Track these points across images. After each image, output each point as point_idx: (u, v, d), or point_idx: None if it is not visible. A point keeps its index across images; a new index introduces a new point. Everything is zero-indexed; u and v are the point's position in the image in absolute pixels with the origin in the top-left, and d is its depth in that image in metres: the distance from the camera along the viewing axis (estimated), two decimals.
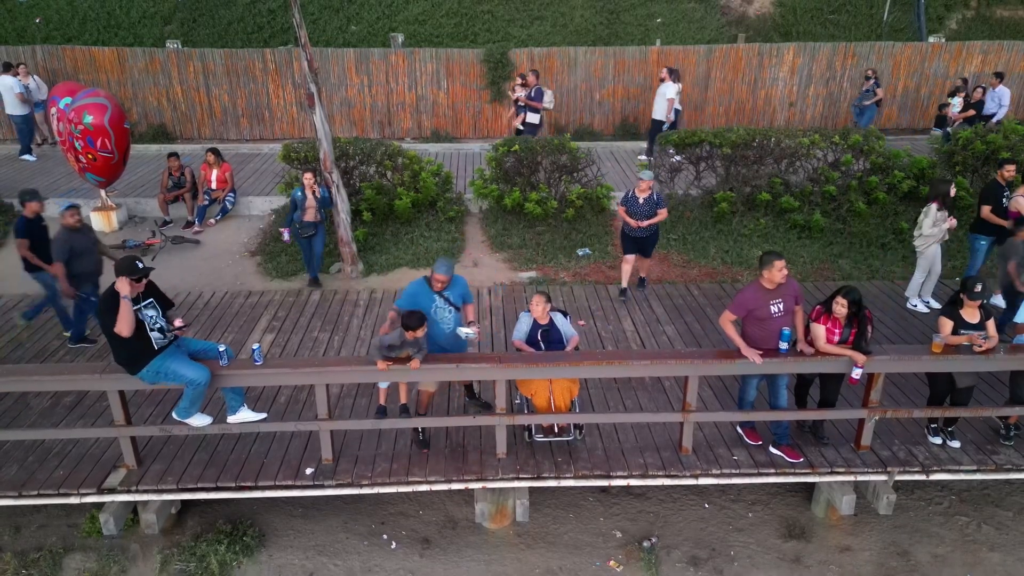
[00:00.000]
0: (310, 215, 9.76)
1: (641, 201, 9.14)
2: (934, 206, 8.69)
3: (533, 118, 13.43)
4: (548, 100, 13.50)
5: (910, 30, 19.26)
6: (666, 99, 13.86)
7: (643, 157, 14.57)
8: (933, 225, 8.67)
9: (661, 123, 14.06)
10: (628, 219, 9.19)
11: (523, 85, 13.39)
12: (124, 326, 5.63)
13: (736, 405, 6.90)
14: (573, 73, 16.40)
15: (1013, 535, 6.93)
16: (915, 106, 17.11)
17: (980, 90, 14.06)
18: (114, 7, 18.29)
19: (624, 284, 9.67)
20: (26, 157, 14.70)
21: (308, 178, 9.77)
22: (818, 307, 6.27)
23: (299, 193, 9.76)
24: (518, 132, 13.52)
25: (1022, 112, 16.90)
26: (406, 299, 6.41)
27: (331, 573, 6.57)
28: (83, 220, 8.26)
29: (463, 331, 6.38)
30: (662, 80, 13.98)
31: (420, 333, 5.99)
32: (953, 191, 8.65)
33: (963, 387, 6.50)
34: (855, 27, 19.27)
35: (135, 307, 5.75)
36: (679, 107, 14.35)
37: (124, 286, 5.67)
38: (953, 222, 8.71)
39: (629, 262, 9.55)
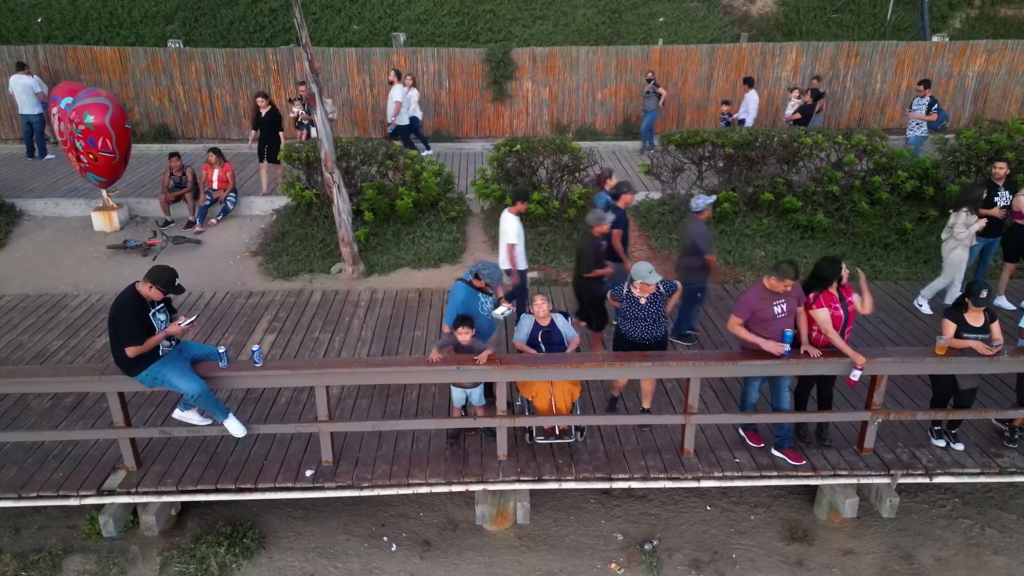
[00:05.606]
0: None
1: (643, 302, 6.50)
2: (964, 210, 8.54)
3: None
4: (331, 109, 12.85)
5: (913, 29, 19.20)
6: (393, 102, 13.76)
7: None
8: (966, 226, 8.49)
9: (398, 126, 13.94)
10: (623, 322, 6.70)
11: (298, 100, 12.82)
12: (141, 349, 5.64)
13: (738, 407, 6.87)
14: (575, 72, 16.38)
15: (1017, 538, 6.89)
16: None
17: (809, 93, 13.51)
18: (116, 7, 18.29)
19: (616, 393, 7.20)
20: (49, 157, 14.74)
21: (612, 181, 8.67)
22: (808, 296, 6.23)
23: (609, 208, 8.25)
24: None
25: None
26: (459, 308, 6.49)
27: (331, 575, 6.55)
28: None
29: (498, 311, 6.71)
30: (391, 83, 13.89)
31: (468, 336, 6.22)
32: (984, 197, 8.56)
33: (966, 389, 6.47)
34: (858, 26, 19.22)
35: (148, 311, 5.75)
36: (417, 112, 14.19)
37: (151, 293, 5.67)
38: (982, 223, 8.59)
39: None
